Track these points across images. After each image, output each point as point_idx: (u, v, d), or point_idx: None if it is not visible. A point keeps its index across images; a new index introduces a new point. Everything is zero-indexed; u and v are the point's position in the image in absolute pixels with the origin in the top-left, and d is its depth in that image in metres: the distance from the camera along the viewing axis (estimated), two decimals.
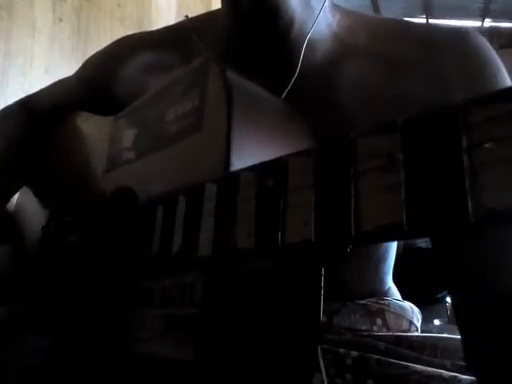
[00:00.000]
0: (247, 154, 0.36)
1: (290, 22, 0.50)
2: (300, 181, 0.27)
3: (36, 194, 0.68)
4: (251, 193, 0.30)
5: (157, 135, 0.46)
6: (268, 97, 0.45)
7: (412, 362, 0.44)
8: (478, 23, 3.99)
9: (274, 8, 0.48)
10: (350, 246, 0.26)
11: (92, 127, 0.62)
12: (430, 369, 0.43)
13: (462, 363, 0.44)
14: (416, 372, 0.43)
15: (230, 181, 0.32)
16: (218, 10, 0.57)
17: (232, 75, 0.40)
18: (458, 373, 0.42)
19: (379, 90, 0.50)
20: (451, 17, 3.89)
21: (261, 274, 0.32)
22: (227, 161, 0.35)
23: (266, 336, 0.31)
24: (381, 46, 0.52)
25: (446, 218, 0.21)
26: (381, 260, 0.60)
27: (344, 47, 0.53)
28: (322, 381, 0.32)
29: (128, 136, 0.51)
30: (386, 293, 0.60)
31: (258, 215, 0.29)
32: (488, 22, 4.00)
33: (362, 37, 0.53)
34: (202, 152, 0.39)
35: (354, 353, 0.46)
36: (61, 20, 1.75)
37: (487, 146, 0.20)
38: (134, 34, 0.70)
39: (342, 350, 0.47)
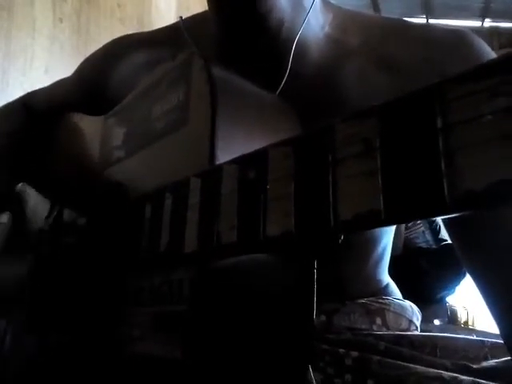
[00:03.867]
0: (233, 148, 0.35)
1: (280, 24, 0.49)
2: (280, 171, 0.27)
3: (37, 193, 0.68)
4: (233, 186, 0.29)
5: (145, 132, 0.46)
6: (255, 90, 0.45)
7: (412, 362, 0.44)
8: (478, 23, 3.99)
9: (263, 11, 0.47)
10: (342, 238, 0.25)
11: (86, 127, 0.62)
12: (430, 370, 0.43)
13: (463, 362, 0.44)
14: (416, 373, 0.43)
15: (213, 174, 0.31)
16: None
17: (216, 68, 0.40)
18: (459, 373, 0.42)
19: (376, 89, 0.49)
20: (451, 17, 3.89)
21: (251, 269, 0.32)
22: (212, 155, 0.35)
23: (256, 332, 0.31)
24: (377, 45, 0.52)
25: (424, 203, 0.20)
26: (379, 259, 0.60)
27: (338, 47, 0.53)
28: (311, 378, 0.31)
29: (118, 135, 0.51)
30: (384, 290, 0.61)
31: (241, 208, 0.28)
32: (488, 22, 4.00)
33: (356, 36, 0.53)
34: (189, 147, 0.39)
35: (354, 353, 0.46)
36: (61, 20, 1.75)
37: (464, 125, 0.19)
38: (130, 35, 0.70)
39: (341, 351, 0.47)
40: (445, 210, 0.20)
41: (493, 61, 0.20)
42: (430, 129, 0.20)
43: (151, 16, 2.32)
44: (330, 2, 0.57)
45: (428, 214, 0.20)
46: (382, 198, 0.21)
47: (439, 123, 0.20)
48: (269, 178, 0.27)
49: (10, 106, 0.76)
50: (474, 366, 0.43)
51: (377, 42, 0.52)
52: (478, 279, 0.45)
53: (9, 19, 1.53)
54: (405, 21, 0.56)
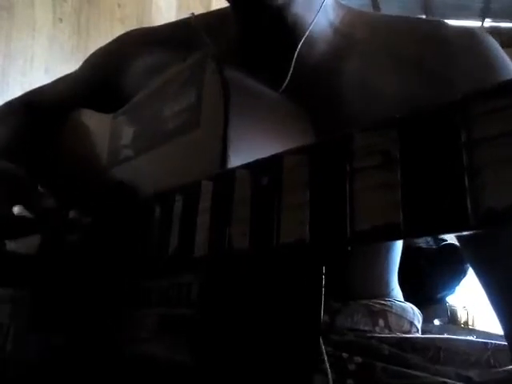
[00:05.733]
0: (245, 151, 0.35)
1: (295, 21, 0.51)
2: (295, 179, 0.26)
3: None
4: (246, 191, 0.29)
5: (155, 132, 0.45)
6: (267, 93, 0.45)
7: (417, 369, 0.44)
8: (478, 23, 3.98)
9: (280, 3, 0.48)
10: (350, 246, 0.25)
11: (93, 125, 0.62)
12: (435, 378, 0.43)
13: (466, 374, 0.44)
14: (421, 383, 0.43)
15: (225, 179, 0.31)
16: (225, 9, 0.57)
17: (229, 71, 0.40)
18: (462, 382, 0.42)
19: (381, 86, 0.50)
20: (451, 17, 3.88)
21: (259, 274, 0.32)
22: (224, 158, 0.35)
23: (264, 337, 0.31)
24: (384, 42, 0.52)
25: (444, 219, 0.20)
26: (390, 263, 0.60)
27: (346, 42, 0.54)
28: (327, 382, 0.31)
29: (127, 133, 0.51)
30: (389, 294, 0.60)
31: (253, 214, 0.28)
32: (488, 22, 3.99)
33: (364, 33, 0.54)
34: (200, 149, 0.39)
35: (358, 358, 0.46)
36: (61, 20, 1.75)
37: (487, 142, 0.19)
38: (135, 30, 0.69)
39: (345, 355, 0.46)
40: (466, 227, 0.19)
41: None
42: (454, 143, 0.20)
43: (151, 16, 2.31)
44: (341, 2, 0.58)
45: (448, 230, 0.20)
46: (401, 211, 0.21)
47: (463, 138, 0.20)
48: (284, 185, 0.27)
49: (8, 105, 0.75)
50: (477, 380, 0.43)
51: (384, 40, 0.53)
52: (483, 279, 0.45)
53: (9, 19, 1.53)
54: (413, 18, 0.57)
